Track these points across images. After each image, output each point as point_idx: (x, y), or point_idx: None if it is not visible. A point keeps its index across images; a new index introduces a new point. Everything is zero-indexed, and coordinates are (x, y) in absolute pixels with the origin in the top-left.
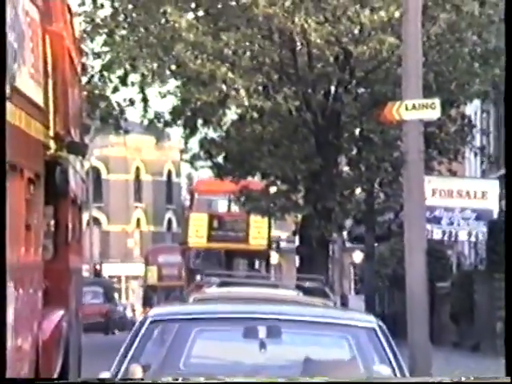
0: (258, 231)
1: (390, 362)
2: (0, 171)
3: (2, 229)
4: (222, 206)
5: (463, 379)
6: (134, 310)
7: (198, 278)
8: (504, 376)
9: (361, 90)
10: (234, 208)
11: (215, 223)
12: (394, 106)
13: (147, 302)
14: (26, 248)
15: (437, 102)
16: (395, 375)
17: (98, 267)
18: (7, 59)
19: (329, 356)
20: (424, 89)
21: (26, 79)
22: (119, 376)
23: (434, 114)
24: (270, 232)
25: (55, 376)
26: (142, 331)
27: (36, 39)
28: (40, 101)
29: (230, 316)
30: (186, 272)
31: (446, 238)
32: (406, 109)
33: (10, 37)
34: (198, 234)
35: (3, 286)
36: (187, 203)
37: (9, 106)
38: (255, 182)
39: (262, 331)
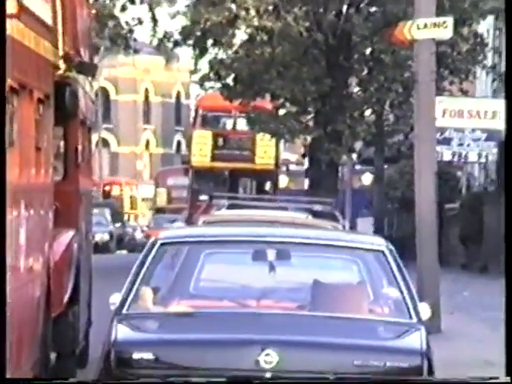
0: (265, 150)
1: (399, 286)
2: None
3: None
4: (227, 123)
5: (463, 379)
6: (143, 232)
7: (202, 197)
8: (504, 376)
9: (372, 10)
10: (240, 126)
11: (220, 141)
12: (405, 26)
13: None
14: (36, 169)
15: (449, 20)
16: (403, 298)
17: (107, 188)
18: (7, 55)
19: (338, 279)
20: (437, 7)
21: None
22: (129, 299)
23: (446, 33)
24: (277, 152)
25: (66, 298)
26: (152, 254)
27: None
28: (49, 19)
29: (239, 239)
30: (189, 192)
31: (455, 159)
32: (418, 28)
33: None
34: (201, 152)
35: (3, 288)
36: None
37: (17, 24)
38: (264, 102)
39: (271, 254)
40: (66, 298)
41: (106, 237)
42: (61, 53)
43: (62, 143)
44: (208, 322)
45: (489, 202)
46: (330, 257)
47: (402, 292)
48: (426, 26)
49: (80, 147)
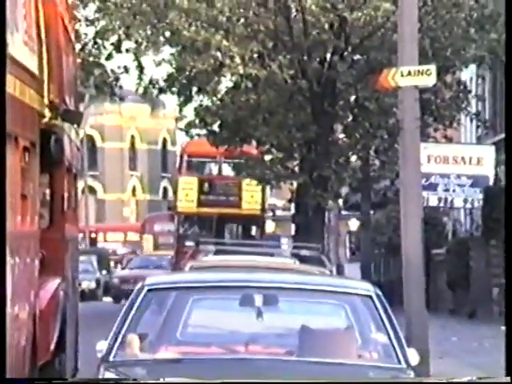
0: (252, 195)
1: (387, 331)
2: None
3: (2, 205)
4: (212, 168)
5: (464, 379)
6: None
7: (188, 243)
8: (504, 376)
9: (356, 57)
10: (226, 171)
11: (205, 187)
12: (389, 73)
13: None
14: (22, 217)
15: (432, 68)
16: (392, 343)
17: (93, 235)
18: (6, 56)
19: (326, 324)
20: (420, 55)
21: (19, 46)
22: (116, 345)
23: (430, 80)
24: (263, 197)
25: (52, 346)
26: (139, 300)
27: (29, 5)
28: (34, 68)
29: (226, 284)
30: (176, 238)
31: (441, 204)
32: (402, 75)
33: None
34: (187, 198)
35: (3, 287)
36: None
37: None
38: (250, 148)
39: (258, 299)
40: (52, 346)
41: (93, 284)
42: (46, 101)
43: (47, 190)
44: (196, 368)
45: (475, 248)
46: (317, 302)
47: (390, 337)
48: (409, 73)
49: (66, 194)
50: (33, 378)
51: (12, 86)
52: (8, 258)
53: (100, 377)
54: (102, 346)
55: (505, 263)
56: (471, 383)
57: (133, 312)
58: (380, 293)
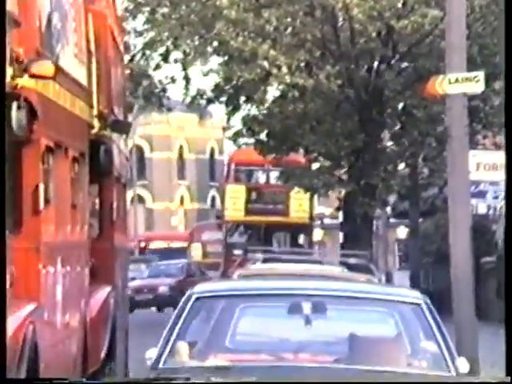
0: (300, 204)
1: (437, 339)
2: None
3: (2, 222)
4: (260, 177)
5: (464, 379)
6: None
7: (236, 252)
8: (504, 376)
9: (404, 65)
10: (273, 179)
11: (253, 195)
12: (436, 80)
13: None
14: (72, 226)
15: (480, 75)
16: (442, 352)
17: (142, 244)
18: (7, 57)
19: (374, 332)
20: (468, 62)
21: (69, 59)
22: (165, 353)
23: (478, 87)
24: (312, 206)
25: (103, 354)
26: (187, 308)
27: (78, 19)
28: (84, 80)
29: (274, 292)
30: (224, 247)
31: (490, 212)
32: (449, 83)
33: (54, 17)
34: (235, 206)
35: (3, 287)
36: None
37: (53, 85)
38: (298, 156)
39: (306, 307)
40: (102, 354)
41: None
42: (95, 112)
43: (97, 200)
44: (245, 375)
45: None
46: (366, 310)
47: (439, 346)
48: (457, 80)
49: (115, 204)
50: (33, 378)
51: (62, 97)
52: (59, 267)
53: None
54: (151, 353)
55: (505, 263)
56: (471, 383)
57: (181, 320)
58: (429, 301)
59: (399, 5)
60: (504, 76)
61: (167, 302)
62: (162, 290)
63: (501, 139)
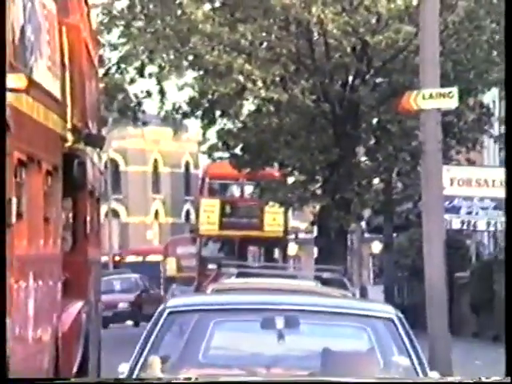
0: (274, 218)
1: (409, 353)
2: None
3: (2, 224)
4: (234, 191)
5: (464, 379)
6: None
7: (210, 266)
8: (504, 376)
9: (378, 80)
10: (248, 193)
11: (228, 209)
12: (411, 96)
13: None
14: (45, 240)
15: (454, 90)
16: (414, 366)
17: (117, 258)
18: (6, 58)
19: (347, 347)
20: (442, 78)
21: (43, 72)
22: (138, 367)
23: (452, 103)
24: (286, 220)
25: (75, 368)
26: (161, 322)
27: (53, 32)
28: (57, 93)
29: (247, 307)
30: (198, 260)
31: (464, 227)
32: (423, 98)
33: (27, 29)
34: (209, 220)
35: (3, 287)
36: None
37: (27, 98)
38: (272, 170)
39: (279, 322)
40: (74, 369)
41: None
42: (69, 125)
43: (70, 214)
44: None
45: (499, 271)
46: (339, 324)
47: (411, 359)
48: (431, 96)
49: (89, 218)
50: (33, 378)
51: (35, 110)
52: (31, 282)
53: None
54: (123, 368)
55: (505, 263)
56: (471, 383)
57: (154, 334)
58: (401, 315)
59: (373, 20)
60: (504, 78)
61: (126, 318)
62: (122, 306)
63: (474, 155)
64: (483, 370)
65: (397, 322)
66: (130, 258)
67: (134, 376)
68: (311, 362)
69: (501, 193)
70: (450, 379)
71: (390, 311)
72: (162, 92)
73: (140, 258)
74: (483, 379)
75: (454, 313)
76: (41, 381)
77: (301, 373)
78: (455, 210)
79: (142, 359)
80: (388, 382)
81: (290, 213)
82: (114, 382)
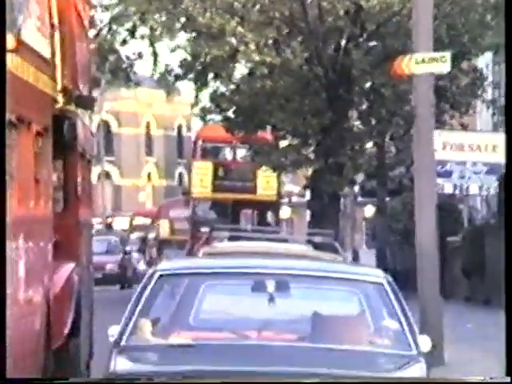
0: (267, 181)
1: (398, 317)
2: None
3: (2, 190)
4: (227, 153)
5: (464, 379)
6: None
7: (203, 230)
8: (504, 376)
9: (372, 44)
10: (241, 156)
11: (220, 172)
12: (403, 60)
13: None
14: (36, 201)
15: (447, 55)
16: (403, 330)
17: (109, 220)
18: (6, 57)
19: (337, 311)
20: (436, 42)
21: (31, 32)
22: (128, 330)
23: (444, 67)
24: (279, 183)
25: (66, 330)
26: (151, 285)
27: None
28: (47, 54)
29: (238, 271)
30: (191, 223)
31: (457, 191)
32: (416, 62)
33: None
34: (202, 183)
35: (3, 285)
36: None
37: (15, 59)
38: (265, 134)
39: (270, 285)
40: (66, 331)
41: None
42: (59, 86)
43: (61, 176)
44: (208, 353)
45: (491, 235)
46: (329, 288)
47: (401, 323)
48: (423, 60)
49: (80, 179)
50: (33, 378)
51: (25, 71)
52: (22, 242)
53: (112, 362)
54: (114, 330)
55: (505, 257)
56: (471, 383)
57: (145, 297)
58: (391, 279)
59: None
60: (505, 74)
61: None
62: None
63: (467, 120)
64: (474, 332)
65: (387, 286)
66: (138, 221)
67: (124, 339)
68: (301, 325)
69: (493, 158)
70: (451, 379)
71: (380, 275)
72: (154, 54)
73: (148, 220)
74: (483, 379)
75: (445, 277)
76: (41, 380)
77: (291, 336)
78: (447, 174)
79: (132, 322)
80: (388, 381)
81: (283, 176)
82: (113, 381)
